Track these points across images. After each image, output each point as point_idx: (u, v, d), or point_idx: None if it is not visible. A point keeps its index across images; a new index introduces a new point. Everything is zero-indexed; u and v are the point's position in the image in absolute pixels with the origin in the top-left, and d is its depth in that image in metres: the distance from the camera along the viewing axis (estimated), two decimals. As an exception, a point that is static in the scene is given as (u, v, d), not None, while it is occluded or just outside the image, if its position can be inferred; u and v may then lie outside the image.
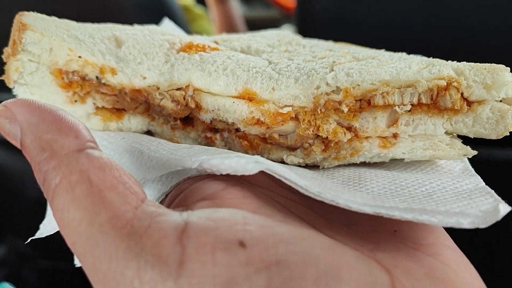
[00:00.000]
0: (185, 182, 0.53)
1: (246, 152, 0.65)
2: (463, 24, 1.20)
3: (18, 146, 0.46)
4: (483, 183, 0.52)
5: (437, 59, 0.60)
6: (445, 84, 0.56)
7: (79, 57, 0.60)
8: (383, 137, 0.60)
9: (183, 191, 0.51)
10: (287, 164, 0.63)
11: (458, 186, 0.51)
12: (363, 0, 1.30)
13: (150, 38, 0.68)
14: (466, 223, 0.42)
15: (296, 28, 1.47)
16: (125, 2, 1.38)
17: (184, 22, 1.81)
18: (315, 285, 0.35)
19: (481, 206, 0.45)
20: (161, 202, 0.54)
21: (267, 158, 0.64)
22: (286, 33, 0.82)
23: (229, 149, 0.66)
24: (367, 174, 0.58)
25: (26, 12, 0.64)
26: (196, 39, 0.73)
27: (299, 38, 0.80)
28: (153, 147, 0.55)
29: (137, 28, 0.71)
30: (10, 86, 0.60)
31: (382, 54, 0.64)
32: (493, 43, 1.19)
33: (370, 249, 0.44)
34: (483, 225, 0.41)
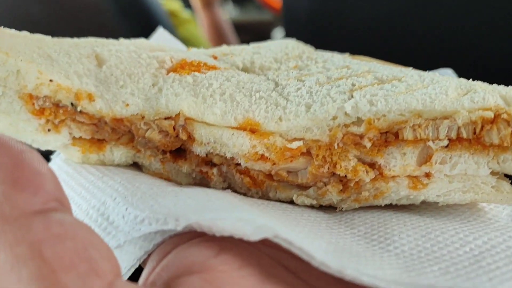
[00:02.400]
0: (170, 240, 0.43)
1: (249, 190, 0.55)
2: (449, 23, 1.15)
3: None
4: None
5: (479, 82, 0.50)
6: (492, 116, 0.46)
7: (51, 80, 0.51)
8: (413, 177, 0.50)
9: (167, 254, 0.41)
10: (297, 205, 0.54)
11: (511, 244, 0.41)
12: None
13: (136, 55, 0.58)
14: None
15: (283, 30, 1.45)
16: (108, 8, 1.31)
17: (170, 27, 1.75)
18: None
19: None
20: (144, 263, 0.45)
21: (274, 198, 0.55)
22: (295, 45, 0.72)
23: (229, 185, 0.56)
24: (394, 223, 0.48)
25: None
26: (192, 54, 0.63)
27: (311, 51, 0.69)
28: (132, 193, 0.46)
29: (122, 43, 0.61)
30: None
31: (410, 74, 0.54)
32: (481, 41, 1.12)
33: None
34: None
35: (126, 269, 0.43)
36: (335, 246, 0.43)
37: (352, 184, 0.51)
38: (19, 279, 0.31)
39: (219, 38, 2.34)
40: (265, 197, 0.55)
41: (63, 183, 0.52)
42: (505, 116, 0.45)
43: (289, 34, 1.37)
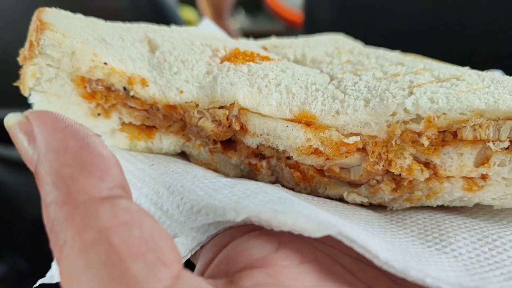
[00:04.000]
0: (225, 233, 0.43)
1: (298, 185, 0.54)
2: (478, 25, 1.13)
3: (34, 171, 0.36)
4: None
5: None
6: None
7: (105, 63, 0.50)
8: (469, 178, 0.49)
9: (224, 247, 0.41)
10: (347, 202, 0.53)
11: None
12: (367, 10, 1.25)
13: (189, 42, 0.58)
14: None
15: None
16: (129, 15, 1.31)
17: None
18: None
19: None
20: (195, 255, 0.44)
21: (323, 194, 0.54)
22: (344, 40, 0.71)
23: (276, 179, 0.56)
24: (447, 224, 0.47)
25: (47, 8, 0.54)
26: (242, 44, 0.63)
27: (360, 47, 0.69)
28: (187, 183, 0.45)
29: (174, 30, 0.61)
30: (25, 93, 0.51)
31: (468, 73, 0.53)
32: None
33: None
34: None
35: None
36: (392, 245, 0.42)
37: (405, 183, 0.50)
38: (87, 264, 0.30)
39: None
40: (313, 193, 0.54)
41: None
42: None
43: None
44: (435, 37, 1.18)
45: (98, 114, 0.54)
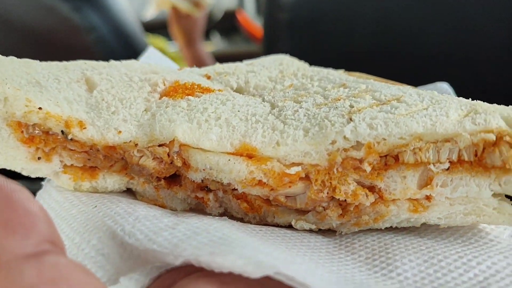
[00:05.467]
0: (167, 275, 0.42)
1: (246, 215, 0.54)
2: (442, 36, 1.15)
3: None
4: None
5: (479, 102, 0.49)
6: (494, 138, 0.45)
7: (39, 108, 0.49)
8: (414, 199, 0.49)
9: None
10: (296, 229, 0.52)
11: None
12: (324, 23, 1.27)
13: (128, 78, 0.57)
14: None
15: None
16: (92, 47, 1.30)
17: None
18: None
19: None
20: None
21: (272, 223, 0.53)
22: (289, 61, 0.70)
23: (225, 210, 0.55)
24: (395, 246, 0.47)
25: None
26: (184, 74, 0.62)
27: (305, 67, 0.68)
28: (128, 225, 0.44)
29: (113, 65, 0.60)
30: None
31: (408, 93, 0.53)
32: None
33: None
34: None
35: None
36: (337, 275, 0.41)
37: (351, 208, 0.50)
38: None
39: None
40: (262, 222, 0.54)
41: (54, 213, 0.50)
42: (507, 138, 0.44)
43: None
44: (387, 54, 1.20)
45: (39, 158, 0.52)
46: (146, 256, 0.39)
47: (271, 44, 1.34)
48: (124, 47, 1.50)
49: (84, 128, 0.50)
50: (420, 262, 0.43)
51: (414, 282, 0.40)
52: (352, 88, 0.56)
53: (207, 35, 3.39)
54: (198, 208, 0.56)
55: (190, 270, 0.40)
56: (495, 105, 0.49)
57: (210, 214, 0.54)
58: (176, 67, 0.74)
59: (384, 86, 0.56)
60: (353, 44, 1.22)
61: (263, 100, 0.57)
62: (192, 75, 0.63)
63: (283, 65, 0.68)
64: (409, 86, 0.57)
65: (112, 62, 0.61)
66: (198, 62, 2.38)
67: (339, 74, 0.63)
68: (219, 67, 0.67)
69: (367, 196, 0.49)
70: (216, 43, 3.65)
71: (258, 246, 0.42)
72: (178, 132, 0.50)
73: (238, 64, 0.69)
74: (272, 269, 0.35)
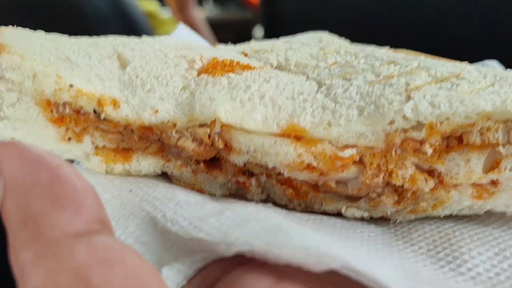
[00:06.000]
0: (215, 265, 0.38)
1: (291, 202, 0.50)
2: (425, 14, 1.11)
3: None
4: None
5: None
6: None
7: (71, 85, 0.46)
8: (478, 185, 0.45)
9: (216, 281, 0.37)
10: (345, 217, 0.49)
11: None
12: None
13: (163, 55, 0.53)
14: None
15: (263, 29, 1.43)
16: (85, 11, 1.27)
17: (148, 29, 1.73)
18: None
19: None
20: None
21: (319, 210, 0.50)
22: (329, 38, 0.66)
23: (268, 196, 0.51)
24: (458, 237, 0.43)
25: (3, 28, 0.49)
26: (221, 51, 0.58)
27: (347, 44, 0.64)
28: (169, 212, 0.41)
29: (145, 41, 0.56)
30: None
31: (467, 69, 0.49)
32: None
33: None
34: None
35: None
36: (403, 270, 0.38)
37: (408, 194, 0.46)
38: None
39: None
40: (308, 209, 0.50)
41: None
42: None
43: (269, 32, 1.34)
44: (393, 21, 1.18)
45: (69, 139, 0.49)
46: (192, 245, 0.36)
47: (270, 9, 1.30)
48: (117, 15, 1.49)
49: (118, 107, 0.47)
50: (491, 256, 0.39)
51: (489, 279, 0.36)
52: (403, 66, 0.52)
53: (200, 1, 3.37)
54: (238, 194, 0.52)
55: (240, 261, 0.37)
56: None
57: (251, 200, 0.50)
58: (208, 45, 0.71)
59: (437, 63, 0.52)
60: (356, 9, 1.18)
61: (308, 78, 0.53)
62: (228, 52, 0.59)
63: (323, 42, 0.64)
64: (465, 63, 0.52)
65: (145, 37, 0.57)
66: (191, 27, 2.40)
67: (386, 51, 0.59)
68: (255, 44, 0.63)
69: (426, 181, 0.45)
70: (209, 10, 3.65)
71: (316, 236, 0.38)
72: (220, 111, 0.46)
73: (275, 41, 0.66)
74: (339, 262, 0.31)
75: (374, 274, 0.31)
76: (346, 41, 0.67)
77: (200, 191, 0.52)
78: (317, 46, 0.62)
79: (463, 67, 0.50)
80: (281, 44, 0.64)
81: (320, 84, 0.51)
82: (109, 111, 0.47)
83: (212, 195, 0.52)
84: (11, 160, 0.32)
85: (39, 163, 0.32)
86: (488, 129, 0.42)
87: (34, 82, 0.45)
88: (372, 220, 0.49)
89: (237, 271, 0.36)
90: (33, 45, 0.48)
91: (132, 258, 0.30)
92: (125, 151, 0.52)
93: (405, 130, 0.44)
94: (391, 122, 0.44)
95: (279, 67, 0.57)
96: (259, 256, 0.33)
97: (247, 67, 0.52)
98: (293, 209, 0.50)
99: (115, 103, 0.47)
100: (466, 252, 0.40)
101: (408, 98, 0.45)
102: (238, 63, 0.53)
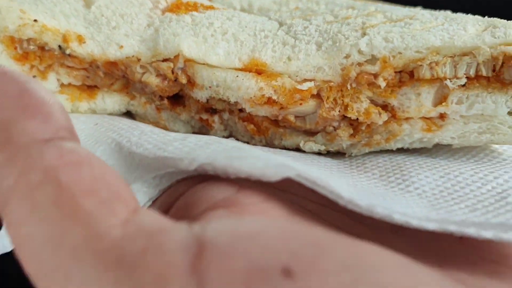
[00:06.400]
0: (179, 184, 0.41)
1: (252, 138, 0.52)
2: None
3: None
4: None
5: (497, 19, 0.48)
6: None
7: (35, 20, 0.47)
8: (428, 118, 0.48)
9: (180, 196, 0.39)
10: (304, 152, 0.51)
11: None
12: None
13: None
14: None
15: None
16: None
17: None
18: None
19: None
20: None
21: (279, 145, 0.52)
22: None
23: (230, 134, 0.54)
24: (408, 165, 0.46)
25: None
26: None
27: None
28: (134, 137, 0.42)
29: None
30: None
31: (421, 13, 0.52)
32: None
33: (440, 265, 0.33)
34: None
35: None
36: (355, 187, 0.41)
37: (363, 128, 0.49)
38: (34, 206, 0.28)
39: None
40: (269, 145, 0.52)
41: None
42: None
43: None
44: None
45: (34, 77, 0.50)
46: (156, 163, 0.38)
47: None
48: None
49: (83, 43, 0.48)
50: (436, 178, 0.42)
51: (433, 195, 0.40)
52: (361, 10, 0.54)
53: None
54: (202, 132, 0.54)
55: (203, 178, 0.39)
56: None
57: None
58: None
59: (394, 8, 0.55)
60: None
61: (270, 18, 0.55)
62: None
63: None
64: (419, 7, 0.55)
65: None
66: None
67: None
68: None
69: (380, 114, 0.48)
70: None
71: (274, 156, 0.40)
72: (183, 46, 0.48)
73: None
74: (294, 171, 0.33)
75: (327, 183, 0.34)
76: None
77: (164, 128, 0.53)
78: None
79: (417, 11, 0.53)
80: None
81: (281, 24, 0.53)
82: (74, 47, 0.48)
83: (175, 132, 0.54)
84: None
85: (7, 77, 0.33)
86: (437, 63, 0.45)
87: None
88: (329, 154, 0.52)
89: (200, 185, 0.38)
90: None
91: (99, 163, 0.31)
92: (90, 89, 0.53)
93: (360, 64, 0.46)
94: (347, 56, 0.46)
95: (242, 11, 0.59)
96: (220, 171, 0.35)
97: (210, 8, 0.54)
98: (255, 145, 0.53)
99: (80, 39, 0.48)
100: (415, 175, 0.43)
101: (364, 34, 0.47)
102: (202, 4, 0.55)
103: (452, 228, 0.32)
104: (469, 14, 0.50)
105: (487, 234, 0.32)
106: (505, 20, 0.47)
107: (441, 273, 0.31)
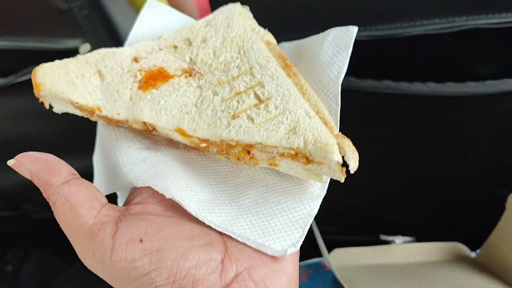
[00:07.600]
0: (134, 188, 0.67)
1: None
2: None
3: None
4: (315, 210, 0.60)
5: (301, 119, 0.63)
6: (294, 152, 0.62)
7: (76, 102, 0.72)
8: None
9: (133, 193, 0.65)
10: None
11: (298, 210, 0.61)
12: None
13: (120, 69, 0.75)
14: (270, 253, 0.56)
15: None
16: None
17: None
18: (171, 271, 0.50)
19: (276, 244, 0.57)
20: None
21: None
22: (238, 19, 0.78)
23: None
24: (255, 177, 0.70)
25: (37, 69, 0.70)
26: (159, 54, 0.78)
27: (245, 27, 0.77)
28: (122, 158, 0.71)
29: (115, 54, 0.76)
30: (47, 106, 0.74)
31: (282, 92, 0.67)
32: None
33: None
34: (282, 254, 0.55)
35: None
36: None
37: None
38: (62, 212, 0.56)
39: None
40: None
41: None
42: (301, 153, 0.65)
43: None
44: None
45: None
46: (126, 181, 0.66)
47: None
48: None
49: (101, 111, 0.73)
50: (260, 193, 0.68)
51: (247, 207, 0.66)
52: (251, 79, 0.69)
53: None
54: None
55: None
56: (313, 123, 0.62)
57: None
58: (181, 16, 0.89)
59: (271, 81, 0.69)
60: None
61: (198, 85, 0.73)
62: (167, 41, 0.80)
63: (230, 27, 0.77)
64: (290, 80, 0.70)
65: (115, 50, 0.76)
66: None
67: (263, 50, 0.74)
68: (186, 31, 0.79)
69: (248, 154, 0.67)
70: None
71: (176, 178, 0.67)
72: (145, 117, 0.71)
73: (197, 24, 0.79)
74: (169, 194, 0.60)
75: (162, 189, 0.61)
76: (251, 20, 0.77)
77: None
78: (223, 34, 0.76)
79: (283, 87, 0.67)
80: (201, 30, 0.78)
81: (200, 94, 0.71)
82: (97, 113, 0.81)
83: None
84: (26, 162, 0.57)
85: (38, 158, 0.57)
86: (264, 146, 0.65)
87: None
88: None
89: (139, 189, 0.66)
90: (52, 75, 0.71)
91: (86, 185, 0.59)
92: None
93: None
94: (220, 136, 0.68)
95: (191, 64, 0.75)
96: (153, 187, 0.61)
97: (166, 79, 0.74)
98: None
99: (99, 109, 0.73)
100: (249, 189, 0.70)
101: (229, 124, 0.66)
102: (162, 73, 0.79)
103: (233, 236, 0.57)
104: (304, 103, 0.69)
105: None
106: (307, 122, 0.66)
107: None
